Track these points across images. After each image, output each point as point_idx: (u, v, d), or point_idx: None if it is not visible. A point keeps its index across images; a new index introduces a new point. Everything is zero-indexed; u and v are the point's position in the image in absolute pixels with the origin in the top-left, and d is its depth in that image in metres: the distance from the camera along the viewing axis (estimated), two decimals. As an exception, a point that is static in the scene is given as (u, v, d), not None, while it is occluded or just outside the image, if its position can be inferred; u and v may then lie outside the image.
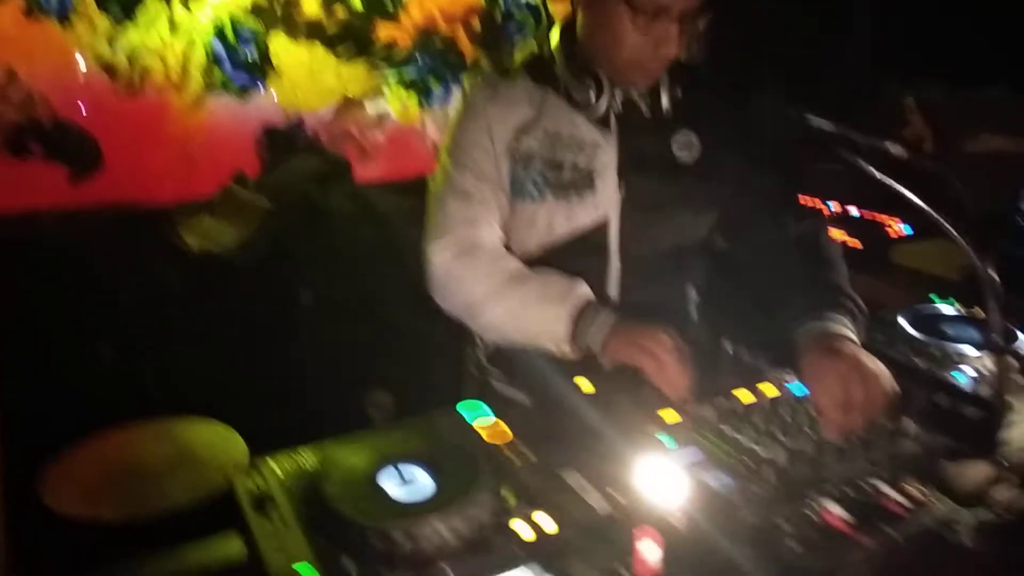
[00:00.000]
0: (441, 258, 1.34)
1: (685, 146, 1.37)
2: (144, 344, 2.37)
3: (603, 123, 1.35)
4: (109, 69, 2.59)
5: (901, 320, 1.43)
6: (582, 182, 1.34)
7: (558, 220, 1.35)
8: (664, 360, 1.15)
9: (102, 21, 2.54)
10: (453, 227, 1.34)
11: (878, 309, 1.51)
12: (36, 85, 2.50)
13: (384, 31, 2.98)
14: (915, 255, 2.02)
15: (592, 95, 1.32)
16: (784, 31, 2.72)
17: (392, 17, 2.96)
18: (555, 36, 1.40)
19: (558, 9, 3.21)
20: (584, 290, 1.28)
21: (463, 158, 1.36)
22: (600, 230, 1.36)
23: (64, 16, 2.49)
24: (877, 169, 1.12)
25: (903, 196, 1.08)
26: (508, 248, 1.39)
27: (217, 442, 1.76)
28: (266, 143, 2.88)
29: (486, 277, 1.31)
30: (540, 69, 1.38)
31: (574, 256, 1.35)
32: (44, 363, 2.18)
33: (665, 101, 1.35)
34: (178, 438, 1.79)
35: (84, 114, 2.60)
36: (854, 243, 2.20)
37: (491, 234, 1.36)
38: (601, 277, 1.37)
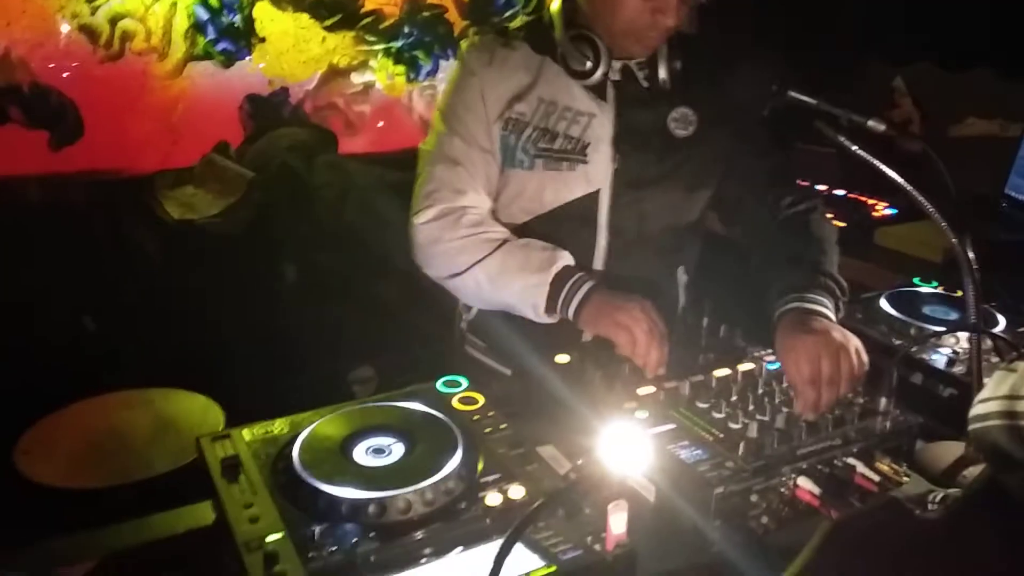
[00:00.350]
0: (426, 224, 1.33)
1: (682, 121, 1.36)
2: (124, 314, 2.35)
3: (599, 93, 1.33)
4: (90, 33, 2.55)
5: (882, 300, 1.43)
6: (575, 152, 1.32)
7: (548, 189, 1.34)
8: (637, 335, 1.14)
9: (83, -16, 2.49)
10: (439, 194, 1.33)
11: (862, 290, 1.51)
12: (15, 49, 2.46)
13: (371, 1, 2.94)
14: (899, 237, 2.02)
15: (589, 63, 1.29)
16: (772, 11, 2.71)
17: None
18: (555, 2, 1.36)
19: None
20: (563, 258, 1.27)
21: (455, 123, 1.34)
22: (590, 202, 1.34)
23: (44, -22, 2.44)
24: (861, 147, 1.11)
25: (883, 173, 1.08)
26: (495, 215, 1.38)
27: (195, 412, 1.75)
28: (249, 112, 2.85)
29: (468, 244, 1.30)
30: (539, 36, 1.36)
31: (562, 226, 1.34)
32: (22, 331, 2.16)
33: (663, 73, 1.33)
34: (156, 407, 1.77)
35: (65, 80, 2.56)
36: (838, 223, 2.20)
37: (476, 201, 1.34)
38: (588, 250, 1.36)
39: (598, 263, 1.37)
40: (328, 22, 2.88)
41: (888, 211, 2.26)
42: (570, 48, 1.30)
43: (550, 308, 1.25)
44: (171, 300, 2.31)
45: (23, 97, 2.51)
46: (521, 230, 1.35)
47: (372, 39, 2.98)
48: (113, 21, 2.56)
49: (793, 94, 1.13)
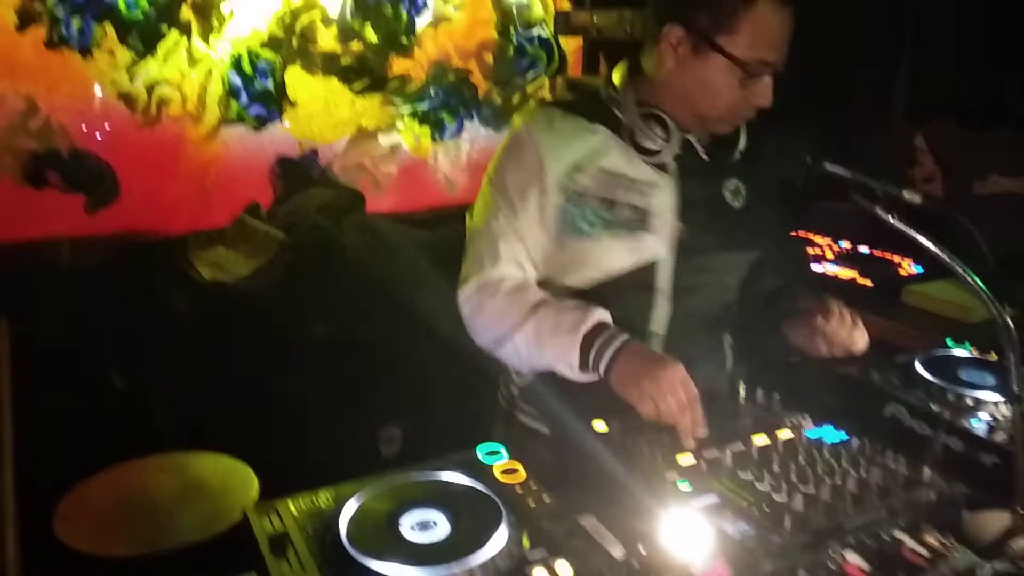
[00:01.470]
0: (469, 298, 1.36)
1: (735, 192, 1.40)
2: (157, 375, 2.37)
3: (661, 165, 1.36)
4: (128, 99, 2.64)
5: (918, 365, 1.43)
6: (637, 221, 1.34)
7: (610, 258, 1.35)
8: (662, 408, 1.15)
9: (123, 53, 2.58)
10: (481, 266, 1.36)
11: (892, 351, 1.51)
12: (56, 116, 2.54)
13: (398, 65, 3.02)
14: (928, 296, 2.02)
15: (660, 142, 1.34)
16: (796, 69, 2.75)
17: (407, 52, 3.01)
18: (618, 77, 1.40)
19: (570, 46, 3.26)
20: (597, 316, 1.28)
21: (505, 193, 1.37)
22: (650, 270, 1.36)
23: (86, 49, 2.53)
24: (893, 214, 1.13)
25: (921, 244, 1.09)
26: (556, 284, 1.39)
27: (229, 476, 1.76)
28: (280, 174, 2.91)
29: (507, 311, 1.32)
30: (595, 107, 1.38)
31: (622, 294, 1.35)
32: (55, 391, 2.19)
33: (722, 147, 1.38)
34: (189, 472, 1.79)
35: (101, 144, 2.64)
36: (864, 282, 2.20)
37: (517, 271, 1.37)
38: (646, 317, 1.37)
39: (656, 329, 1.38)
40: (357, 86, 2.97)
41: (914, 268, 2.26)
42: (641, 126, 1.34)
43: (583, 365, 1.26)
44: (202, 360, 2.34)
45: (62, 162, 2.59)
46: (584, 297, 1.36)
47: (399, 101, 3.05)
48: (151, 88, 2.65)
49: (828, 166, 1.15)
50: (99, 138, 2.63)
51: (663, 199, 1.35)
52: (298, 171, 2.92)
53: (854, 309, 1.34)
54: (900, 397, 1.30)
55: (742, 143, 1.39)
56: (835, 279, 2.25)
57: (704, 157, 1.38)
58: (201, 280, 2.57)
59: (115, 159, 2.66)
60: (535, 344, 1.30)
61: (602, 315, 1.29)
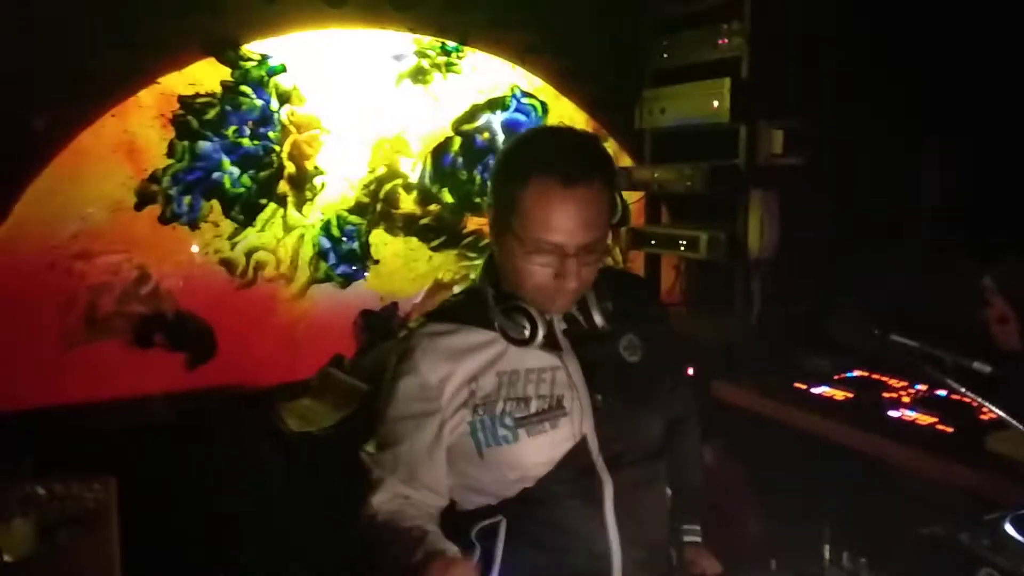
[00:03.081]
0: (371, 507, 1.36)
1: (630, 348, 1.41)
2: (245, 524, 2.46)
3: (553, 346, 1.35)
4: (228, 265, 2.88)
5: (1007, 525, 1.41)
6: (552, 409, 1.33)
7: (539, 453, 1.33)
8: None
9: (226, 225, 2.85)
10: (371, 492, 1.36)
11: (978, 505, 1.49)
12: (164, 283, 2.79)
13: (473, 223, 3.24)
14: (1013, 441, 1.98)
15: (527, 332, 1.30)
16: (850, 215, 2.84)
17: (480, 210, 3.23)
18: (481, 268, 1.42)
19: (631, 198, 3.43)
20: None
21: (396, 425, 1.36)
22: (581, 450, 1.34)
23: (194, 223, 2.81)
24: (963, 384, 1.17)
25: (994, 413, 1.13)
26: (490, 493, 1.37)
27: None
28: (362, 326, 3.08)
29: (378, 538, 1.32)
30: (477, 310, 1.36)
31: (563, 484, 1.33)
32: (152, 543, 2.29)
33: (598, 316, 1.36)
34: None
35: (203, 306, 2.86)
36: (944, 428, 2.18)
37: (397, 503, 1.35)
38: (596, 494, 1.34)
39: (608, 501, 1.34)
40: (434, 243, 3.19)
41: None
42: (505, 322, 1.32)
43: None
44: (291, 511, 2.42)
45: (167, 324, 2.81)
46: (522, 501, 1.34)
47: (473, 256, 3.25)
48: (248, 254, 2.90)
49: (896, 338, 1.21)
50: (201, 300, 2.86)
51: (567, 379, 1.35)
52: (379, 323, 3.10)
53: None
54: (991, 560, 1.29)
55: (597, 316, 1.36)
56: (913, 424, 2.23)
57: (586, 326, 1.37)
58: (288, 431, 2.69)
59: (214, 319, 2.88)
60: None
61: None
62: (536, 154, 1.30)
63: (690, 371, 1.91)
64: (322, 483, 2.47)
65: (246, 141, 2.83)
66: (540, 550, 1.33)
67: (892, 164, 2.88)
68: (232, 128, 2.81)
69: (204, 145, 2.77)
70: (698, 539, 1.57)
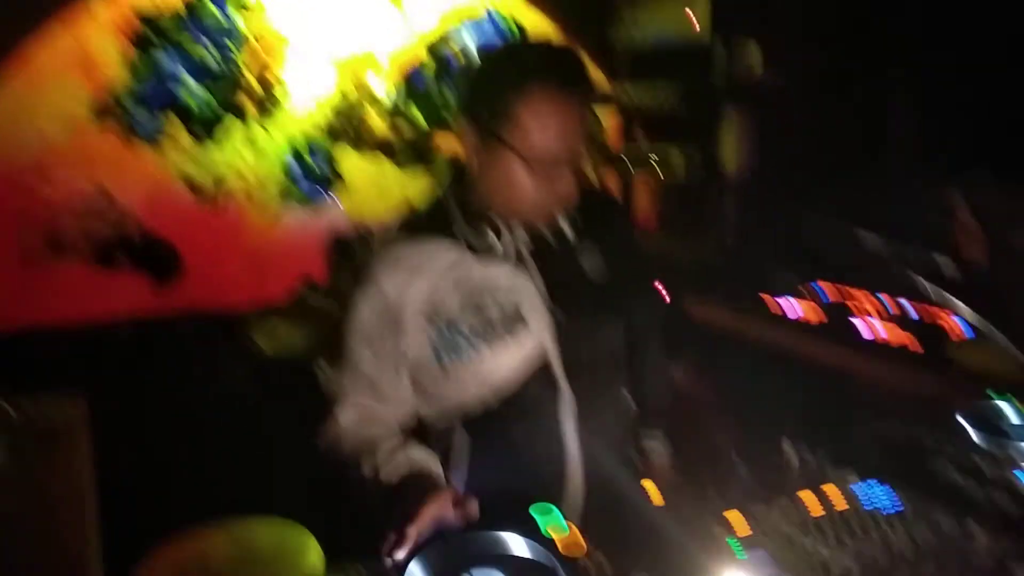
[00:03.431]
0: (337, 424, 1.39)
1: (593, 262, 1.40)
2: (218, 446, 2.47)
3: (517, 259, 1.34)
4: (191, 183, 2.82)
5: (961, 420, 1.44)
6: (511, 321, 1.32)
7: (496, 367, 1.33)
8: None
9: (187, 141, 2.77)
10: (338, 406, 1.39)
11: (936, 408, 1.52)
12: (128, 203, 2.73)
13: (446, 145, 3.18)
14: (974, 355, 2.02)
15: (492, 241, 1.31)
16: (823, 132, 2.82)
17: (447, 131, 3.17)
18: (449, 181, 1.39)
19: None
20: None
21: (360, 341, 1.36)
22: (541, 362, 1.34)
23: (154, 139, 2.73)
24: (930, 281, 1.18)
25: (957, 308, 1.13)
26: (452, 407, 1.38)
27: (283, 542, 1.80)
28: (335, 250, 3.05)
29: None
30: (440, 223, 1.34)
31: (525, 395, 1.34)
32: (129, 465, 2.29)
33: (566, 228, 1.36)
34: (243, 539, 1.83)
35: (169, 227, 2.81)
36: (907, 339, 2.21)
37: (360, 416, 1.38)
38: (554, 404, 1.36)
39: (567, 413, 1.37)
40: (407, 166, 3.13)
41: (961, 326, 2.25)
42: (470, 233, 1.32)
43: None
44: (264, 433, 2.43)
45: (131, 244, 2.76)
46: (484, 414, 1.35)
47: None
48: (213, 172, 2.83)
49: (866, 237, 1.20)
50: (167, 221, 2.80)
51: (528, 291, 1.34)
52: (352, 247, 3.06)
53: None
54: (944, 452, 1.32)
55: (567, 230, 1.37)
56: (878, 336, 2.26)
57: (554, 242, 1.36)
58: (261, 353, 2.68)
59: (179, 240, 2.83)
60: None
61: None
62: (530, 61, 1.27)
63: (659, 286, 1.90)
64: (295, 404, 2.47)
65: (205, 53, 2.73)
66: (502, 462, 1.34)
67: (865, 85, 2.85)
68: (190, 40, 2.70)
69: (162, 58, 2.68)
70: (660, 448, 1.59)
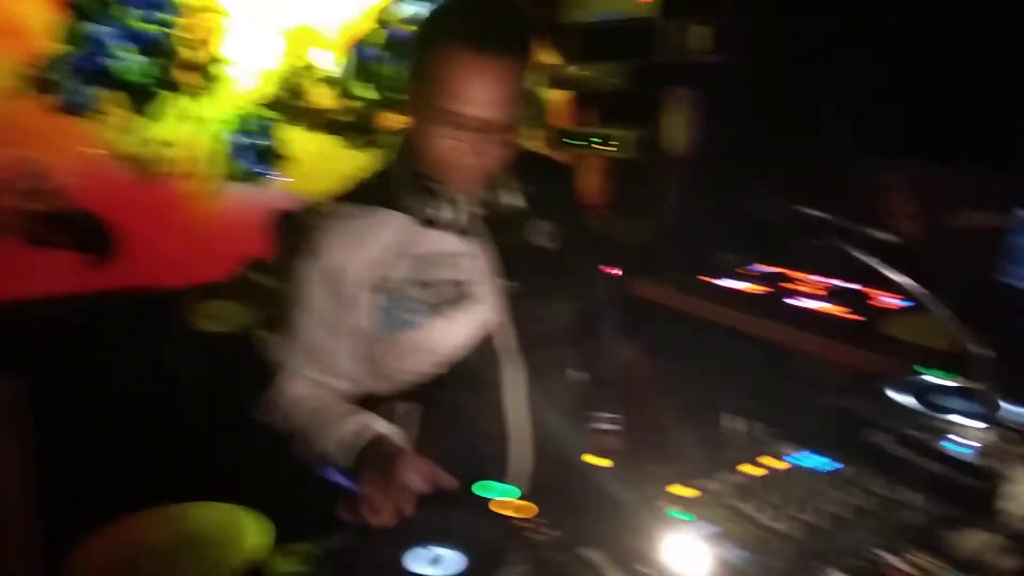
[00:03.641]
0: (283, 396, 1.41)
1: (544, 234, 1.40)
2: (158, 428, 2.41)
3: (465, 229, 1.34)
4: (127, 160, 2.72)
5: (889, 391, 1.49)
6: (457, 294, 1.32)
7: (444, 338, 1.33)
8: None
9: (122, 115, 2.67)
10: (293, 375, 1.40)
11: (871, 380, 1.58)
12: (58, 177, 2.62)
13: (397, 121, 3.13)
14: (907, 328, 2.09)
15: (439, 211, 1.31)
16: (758, 110, 2.87)
17: (396, 106, 3.12)
18: (394, 149, 1.39)
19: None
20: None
21: (303, 308, 1.37)
22: (489, 334, 1.34)
23: (86, 112, 2.62)
24: (868, 253, 1.21)
25: (894, 279, 1.17)
26: (396, 376, 1.39)
27: (227, 525, 1.77)
28: (279, 227, 2.98)
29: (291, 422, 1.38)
30: (386, 192, 1.34)
31: (468, 367, 1.34)
32: (68, 448, 2.22)
33: (513, 198, 1.36)
34: (184, 523, 1.79)
35: (104, 203, 2.71)
36: (842, 314, 2.28)
37: (304, 386, 1.40)
38: (501, 380, 1.36)
39: (513, 387, 1.37)
40: (357, 142, 3.08)
41: (902, 303, 2.31)
42: (415, 202, 1.31)
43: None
44: (207, 411, 2.38)
45: (65, 222, 2.66)
46: (431, 385, 1.36)
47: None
48: (150, 147, 2.73)
49: (805, 209, 1.24)
50: (101, 197, 2.70)
51: (476, 263, 1.34)
52: (297, 223, 3.00)
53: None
54: (875, 422, 1.37)
55: (515, 197, 1.36)
56: (813, 312, 2.33)
57: (502, 211, 1.36)
58: (201, 332, 2.63)
59: (116, 216, 2.73)
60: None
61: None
62: (452, 21, 1.25)
63: (615, 271, 1.92)
64: (239, 382, 2.42)
65: (140, 24, 2.63)
66: (447, 435, 1.35)
67: (807, 65, 2.90)
68: (124, 9, 2.60)
69: (96, 28, 2.57)
70: (609, 426, 1.59)
